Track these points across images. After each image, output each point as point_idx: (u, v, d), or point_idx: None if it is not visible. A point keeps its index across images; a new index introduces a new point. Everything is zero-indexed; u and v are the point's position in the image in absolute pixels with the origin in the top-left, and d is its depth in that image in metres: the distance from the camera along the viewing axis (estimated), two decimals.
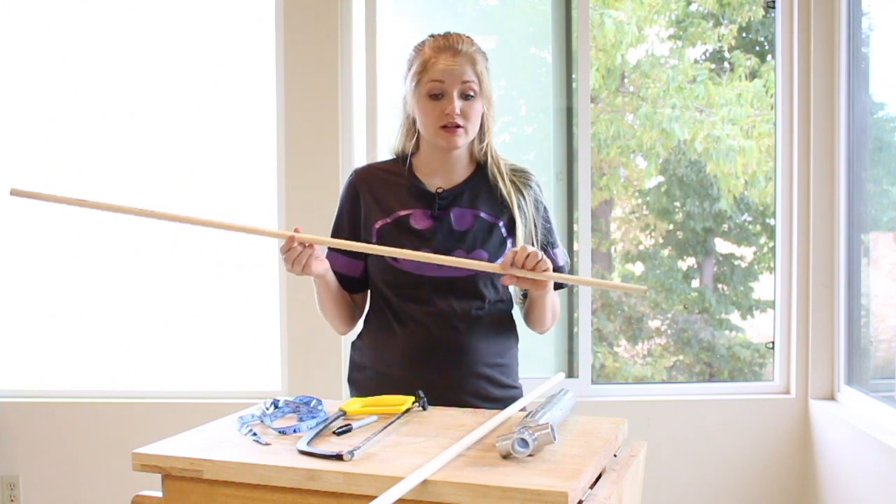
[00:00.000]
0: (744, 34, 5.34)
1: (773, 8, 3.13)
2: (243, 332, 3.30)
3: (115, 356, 3.32)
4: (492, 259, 1.73)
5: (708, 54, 5.44)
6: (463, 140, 1.75)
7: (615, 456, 1.42)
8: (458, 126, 1.72)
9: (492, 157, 1.83)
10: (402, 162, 1.83)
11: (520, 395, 1.81)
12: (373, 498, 1.07)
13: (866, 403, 2.80)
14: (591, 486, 1.25)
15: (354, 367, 1.86)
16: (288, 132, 3.08)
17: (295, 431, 1.40)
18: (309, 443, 1.31)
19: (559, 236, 1.90)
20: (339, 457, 1.24)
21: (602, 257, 5.61)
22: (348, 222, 1.82)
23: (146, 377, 3.30)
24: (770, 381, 3.18)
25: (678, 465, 3.06)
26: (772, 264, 3.74)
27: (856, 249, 2.96)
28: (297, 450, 1.30)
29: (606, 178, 5.42)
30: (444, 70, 1.71)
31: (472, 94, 1.73)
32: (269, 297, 3.19)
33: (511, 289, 1.84)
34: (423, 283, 1.72)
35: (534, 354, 3.51)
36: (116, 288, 3.32)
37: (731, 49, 5.27)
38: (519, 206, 1.80)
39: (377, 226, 1.78)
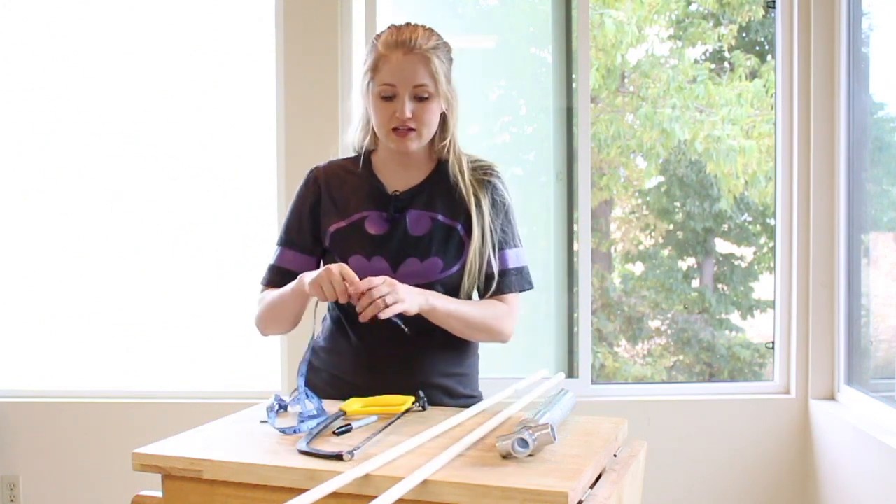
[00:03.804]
0: (744, 34, 5.35)
1: (773, 8, 3.13)
2: (243, 332, 3.30)
3: (115, 356, 3.32)
4: (447, 266, 1.67)
5: (708, 54, 5.45)
6: (416, 143, 1.67)
7: (615, 456, 1.42)
8: (409, 129, 1.64)
9: (453, 154, 1.73)
10: (358, 159, 1.76)
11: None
12: (373, 498, 1.06)
13: (866, 403, 2.80)
14: (591, 486, 1.25)
15: (311, 369, 1.77)
16: (288, 132, 3.08)
17: (295, 432, 1.40)
18: (309, 443, 1.31)
19: (519, 236, 1.78)
20: (339, 457, 1.24)
21: (602, 257, 5.62)
22: (309, 222, 1.73)
23: (146, 377, 3.30)
24: (770, 381, 3.18)
25: (678, 465, 3.06)
26: (772, 264, 3.74)
27: (856, 249, 2.96)
28: (297, 450, 1.30)
29: (606, 178, 5.43)
30: (395, 72, 1.62)
31: (425, 96, 1.64)
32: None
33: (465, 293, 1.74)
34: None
35: (534, 354, 3.52)
36: (116, 288, 3.32)
37: (731, 49, 5.28)
38: (477, 206, 1.70)
39: (332, 229, 1.70)
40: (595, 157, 5.05)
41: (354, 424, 1.42)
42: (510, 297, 1.74)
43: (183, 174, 3.28)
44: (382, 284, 1.52)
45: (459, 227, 1.70)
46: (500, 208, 1.74)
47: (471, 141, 3.52)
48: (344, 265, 1.54)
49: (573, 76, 3.26)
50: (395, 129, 1.65)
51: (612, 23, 4.86)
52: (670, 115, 4.95)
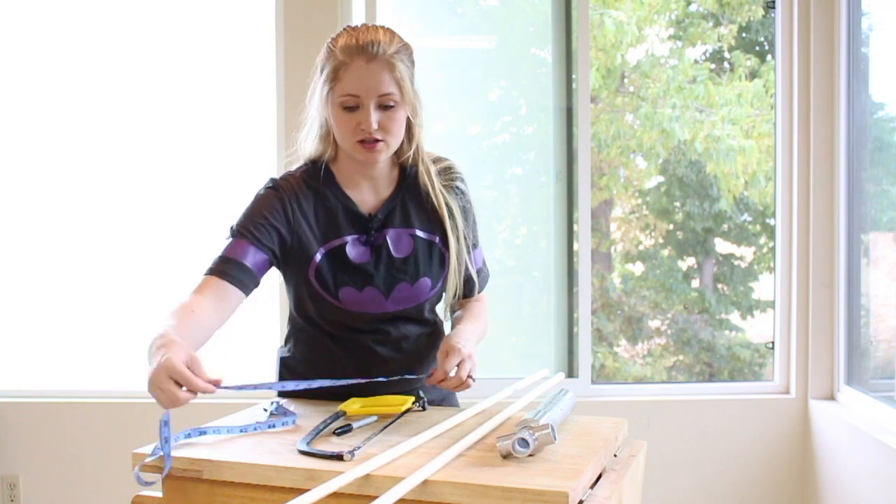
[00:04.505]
0: (744, 34, 5.35)
1: (773, 8, 3.13)
2: (243, 332, 3.30)
3: (116, 356, 3.32)
4: (434, 284, 1.65)
5: (708, 54, 5.46)
6: (384, 155, 1.58)
7: (615, 456, 1.42)
8: (376, 140, 1.54)
9: (422, 164, 1.65)
10: (319, 171, 1.63)
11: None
12: (373, 498, 1.07)
13: (866, 403, 2.80)
14: (591, 486, 1.25)
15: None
16: (288, 133, 3.07)
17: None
18: (309, 443, 1.32)
19: (481, 235, 1.77)
20: (339, 457, 1.25)
21: (602, 257, 5.62)
22: (283, 225, 1.59)
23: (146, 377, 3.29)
24: (770, 381, 3.18)
25: (678, 465, 3.06)
26: (772, 264, 3.74)
27: (856, 249, 2.96)
28: (297, 450, 1.30)
29: (606, 178, 5.43)
30: (358, 81, 1.51)
31: (391, 104, 1.53)
32: (269, 297, 3.19)
33: (441, 304, 1.76)
34: (368, 318, 1.63)
35: (534, 354, 3.52)
36: (116, 288, 3.32)
37: (731, 49, 5.28)
38: (450, 216, 1.65)
39: (316, 260, 1.60)
40: (595, 157, 5.05)
41: (354, 424, 1.42)
42: (480, 293, 1.78)
43: (183, 174, 3.28)
44: (464, 362, 1.50)
45: (437, 239, 1.66)
46: (468, 212, 1.71)
47: (471, 141, 3.53)
48: (171, 368, 1.24)
49: (573, 76, 3.27)
50: (361, 142, 1.55)
51: (612, 23, 4.86)
52: (670, 115, 4.95)
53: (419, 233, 1.65)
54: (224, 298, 1.51)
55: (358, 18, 3.10)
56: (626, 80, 5.42)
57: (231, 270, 1.53)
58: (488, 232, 3.45)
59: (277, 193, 1.61)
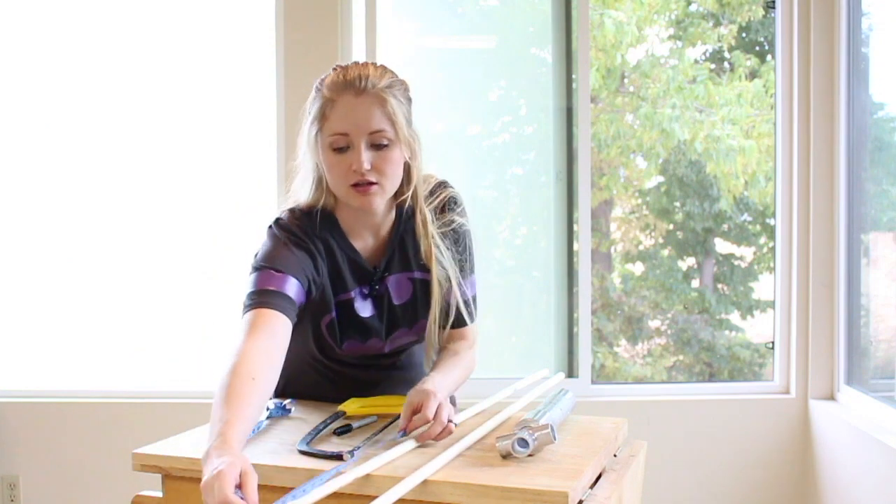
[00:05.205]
0: (744, 34, 5.35)
1: (773, 8, 3.13)
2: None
3: (115, 356, 3.32)
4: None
5: (708, 54, 5.46)
6: (379, 198, 1.47)
7: (615, 456, 1.42)
8: (370, 183, 1.44)
9: (419, 213, 1.56)
10: (316, 219, 1.53)
11: None
12: (373, 498, 1.07)
13: (866, 403, 2.80)
14: (591, 486, 1.25)
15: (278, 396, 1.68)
16: (288, 133, 3.08)
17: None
18: (309, 443, 1.32)
19: (474, 262, 1.65)
20: (339, 457, 1.25)
21: (602, 257, 5.62)
22: (309, 263, 1.49)
23: (146, 377, 3.30)
24: (770, 381, 3.18)
25: (678, 465, 3.06)
26: (772, 264, 3.74)
27: (856, 249, 2.96)
28: (297, 450, 1.30)
29: (606, 178, 5.43)
30: (346, 119, 1.42)
31: (384, 142, 1.44)
32: None
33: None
34: (362, 357, 1.62)
35: (534, 354, 3.52)
36: (117, 288, 3.32)
37: (731, 49, 5.28)
38: (438, 261, 1.57)
39: (333, 315, 1.55)
40: (595, 157, 5.05)
41: (354, 424, 1.42)
42: (471, 326, 1.65)
43: (183, 175, 3.28)
44: (443, 407, 1.34)
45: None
46: (462, 244, 1.62)
47: (471, 141, 3.53)
48: (220, 489, 1.07)
49: (573, 76, 3.27)
50: (354, 185, 1.45)
51: (612, 23, 4.86)
52: (670, 115, 4.95)
53: (417, 274, 1.59)
54: (276, 335, 1.37)
55: (358, 18, 3.10)
56: (626, 80, 5.42)
57: (276, 300, 1.40)
58: (488, 232, 3.45)
59: (303, 243, 1.50)
